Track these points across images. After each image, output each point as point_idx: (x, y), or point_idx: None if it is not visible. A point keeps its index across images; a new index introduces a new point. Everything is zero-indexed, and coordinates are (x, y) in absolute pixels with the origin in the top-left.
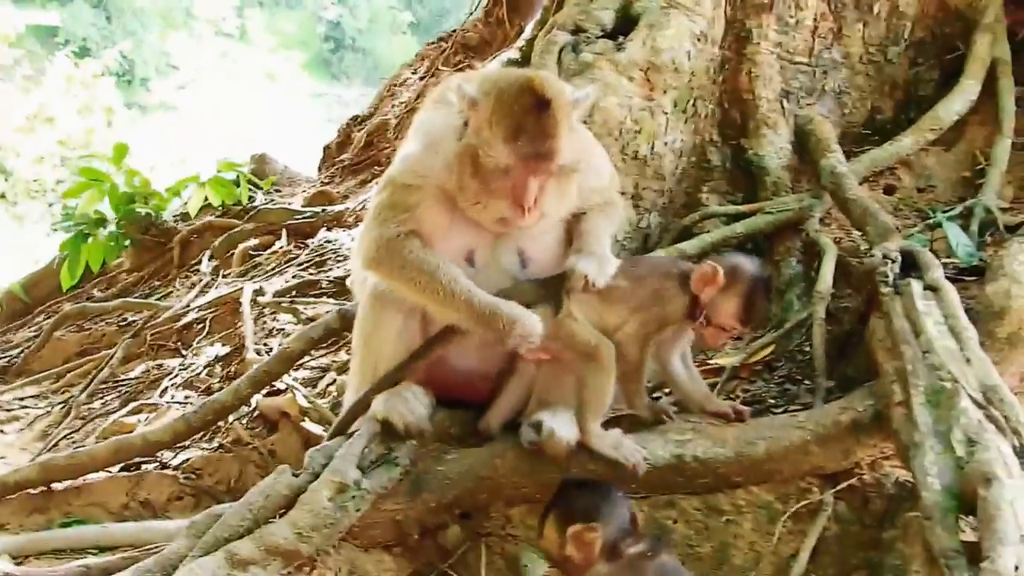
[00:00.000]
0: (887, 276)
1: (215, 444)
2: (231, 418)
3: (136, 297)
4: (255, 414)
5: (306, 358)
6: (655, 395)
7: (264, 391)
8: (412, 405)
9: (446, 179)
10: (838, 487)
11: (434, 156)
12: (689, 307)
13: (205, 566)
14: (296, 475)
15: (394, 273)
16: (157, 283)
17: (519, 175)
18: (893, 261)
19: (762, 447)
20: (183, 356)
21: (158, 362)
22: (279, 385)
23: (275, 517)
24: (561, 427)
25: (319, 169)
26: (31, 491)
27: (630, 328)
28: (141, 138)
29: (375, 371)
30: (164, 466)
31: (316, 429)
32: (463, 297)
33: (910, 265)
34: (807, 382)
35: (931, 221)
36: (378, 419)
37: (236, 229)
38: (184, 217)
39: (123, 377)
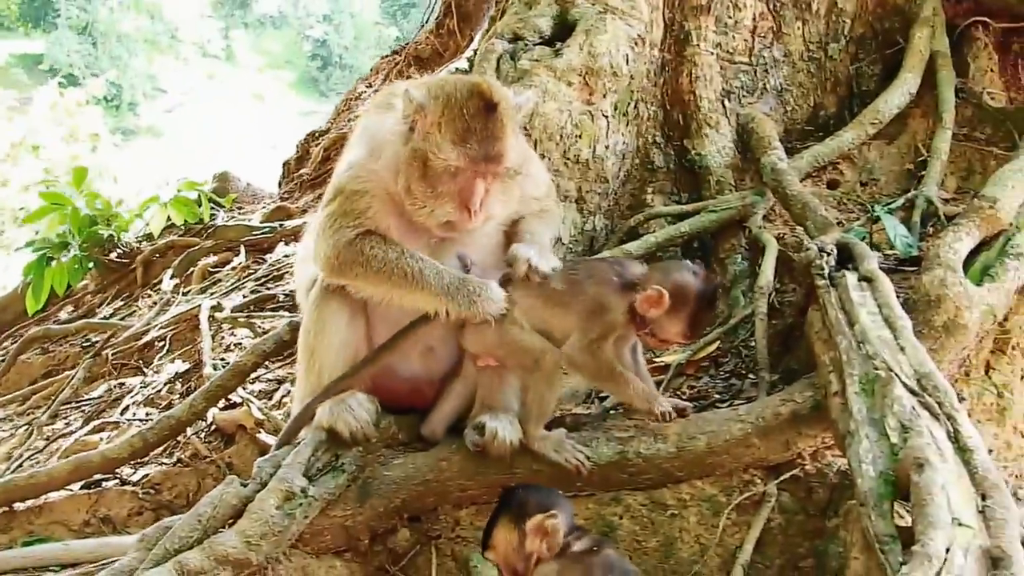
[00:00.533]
0: (823, 269)
1: (174, 459)
2: (189, 432)
3: (101, 317)
4: (212, 428)
5: (261, 371)
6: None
7: (220, 405)
8: (357, 412)
9: (391, 182)
10: (781, 478)
11: (378, 160)
12: (629, 312)
13: None
14: (244, 485)
15: (358, 272)
16: (121, 303)
17: (467, 177)
18: (828, 254)
19: (703, 441)
20: (144, 374)
21: (120, 381)
22: (235, 398)
23: (224, 527)
24: (504, 428)
25: (279, 185)
26: None
27: (574, 339)
28: (129, 163)
29: (320, 379)
30: (124, 482)
31: (272, 440)
32: (433, 272)
33: (847, 257)
34: (752, 376)
35: (873, 214)
36: (324, 427)
37: (196, 247)
38: (148, 237)
39: (86, 397)
